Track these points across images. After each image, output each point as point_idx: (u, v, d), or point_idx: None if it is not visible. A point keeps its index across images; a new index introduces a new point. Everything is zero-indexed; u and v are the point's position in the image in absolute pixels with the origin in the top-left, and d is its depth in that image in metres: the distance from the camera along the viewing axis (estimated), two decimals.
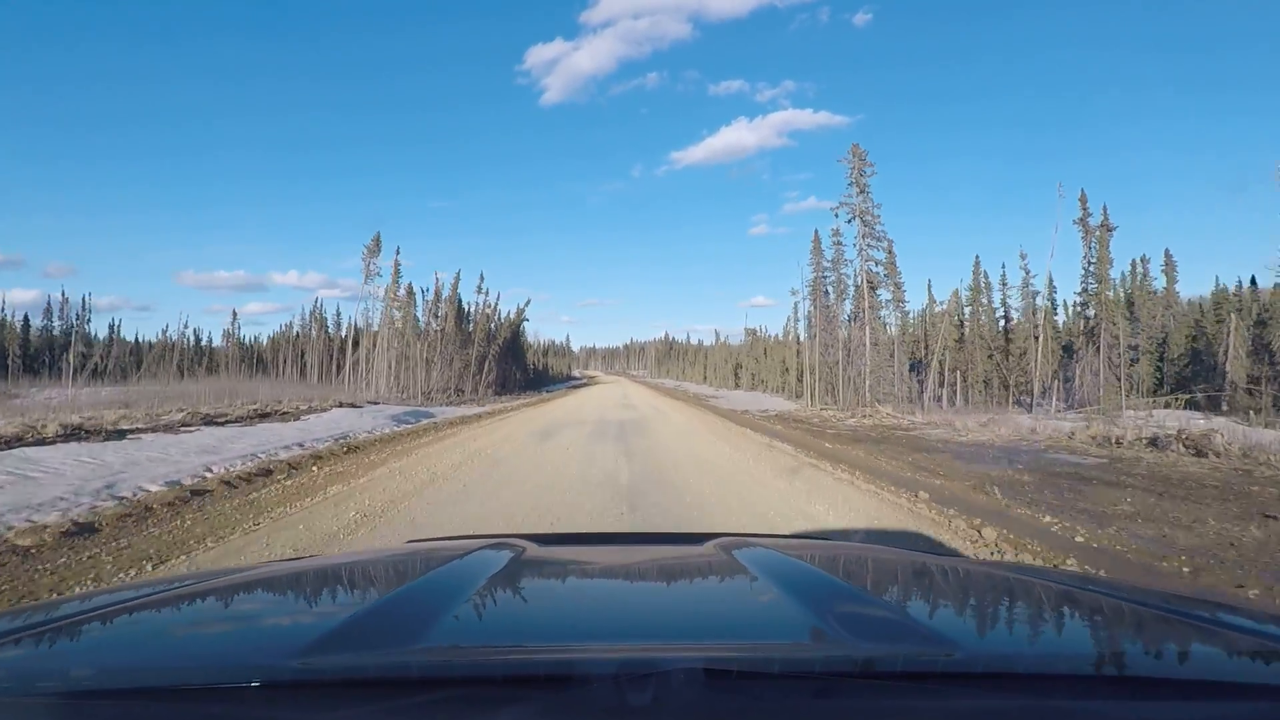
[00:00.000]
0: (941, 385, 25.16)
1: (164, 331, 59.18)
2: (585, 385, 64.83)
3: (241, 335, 62.57)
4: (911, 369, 27.76)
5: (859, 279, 26.92)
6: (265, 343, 65.59)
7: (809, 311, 30.62)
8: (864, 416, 19.81)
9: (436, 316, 37.70)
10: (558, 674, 0.66)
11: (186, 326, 60.17)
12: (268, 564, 1.72)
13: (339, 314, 61.36)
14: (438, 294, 37.89)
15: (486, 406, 27.52)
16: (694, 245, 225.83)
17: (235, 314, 59.08)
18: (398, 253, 35.19)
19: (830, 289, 28.78)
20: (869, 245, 26.77)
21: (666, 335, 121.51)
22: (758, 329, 54.63)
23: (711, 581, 1.29)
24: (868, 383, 25.41)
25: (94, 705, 0.66)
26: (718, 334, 77.33)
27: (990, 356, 26.09)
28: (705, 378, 63.21)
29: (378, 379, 33.86)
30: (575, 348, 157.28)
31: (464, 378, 39.48)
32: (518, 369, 50.75)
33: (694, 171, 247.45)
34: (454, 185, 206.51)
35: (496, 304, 44.39)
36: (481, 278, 44.01)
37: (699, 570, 1.35)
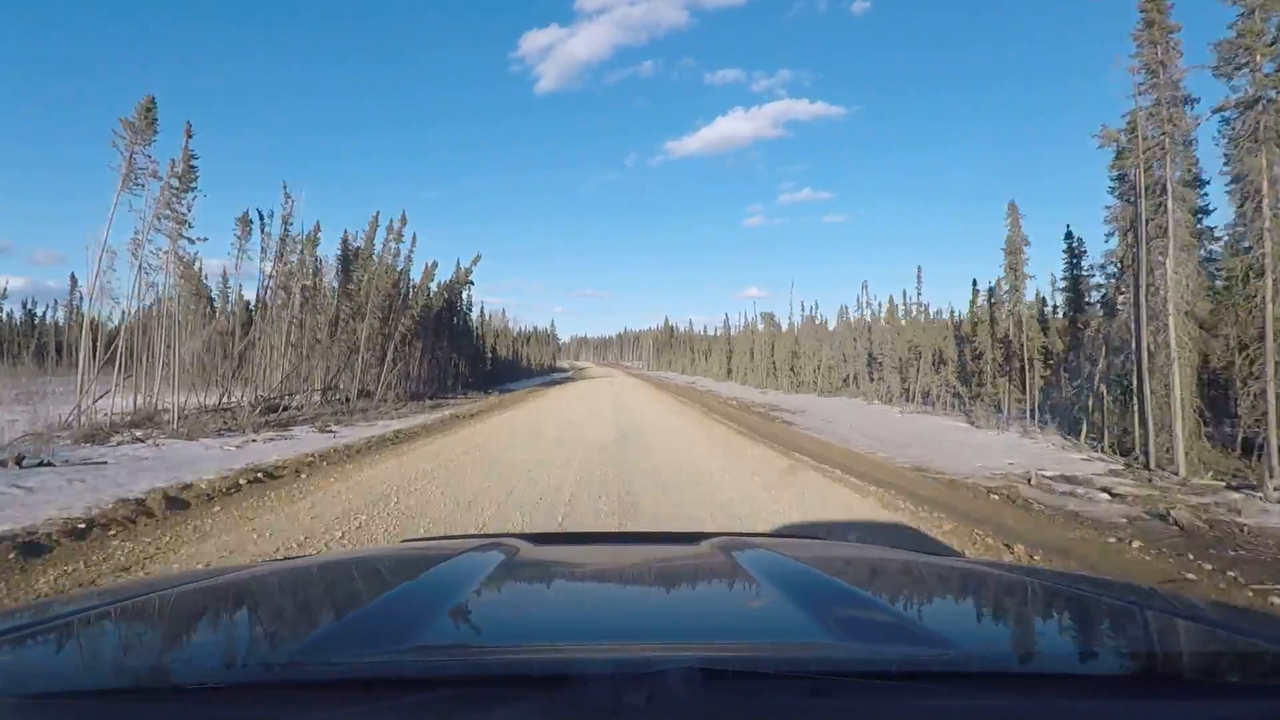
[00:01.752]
0: None
1: None
2: (568, 381, 47.67)
3: (101, 312, 45.11)
4: None
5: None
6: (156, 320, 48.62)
7: (1124, 215, 10.76)
8: None
9: (283, 259, 20.56)
10: (554, 674, 0.65)
11: (3, 296, 42.46)
12: (262, 563, 1.64)
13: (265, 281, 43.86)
14: (287, 225, 20.62)
15: (320, 441, 10.83)
16: (688, 236, 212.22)
17: (74, 280, 41.01)
18: (188, 134, 17.02)
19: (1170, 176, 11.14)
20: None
21: (667, 322, 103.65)
22: (771, 314, 38.37)
23: (708, 581, 1.28)
24: None
25: (86, 705, 0.64)
26: (727, 319, 60.70)
27: None
28: (729, 372, 46.34)
29: (173, 375, 17.07)
30: (565, 336, 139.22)
31: (353, 369, 22.66)
32: (460, 356, 33.68)
33: (689, 161, 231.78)
34: (444, 173, 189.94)
35: (412, 253, 27.03)
36: (403, 220, 26.17)
37: (695, 570, 1.35)
